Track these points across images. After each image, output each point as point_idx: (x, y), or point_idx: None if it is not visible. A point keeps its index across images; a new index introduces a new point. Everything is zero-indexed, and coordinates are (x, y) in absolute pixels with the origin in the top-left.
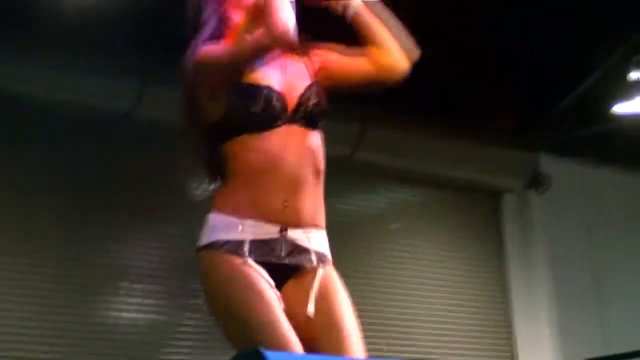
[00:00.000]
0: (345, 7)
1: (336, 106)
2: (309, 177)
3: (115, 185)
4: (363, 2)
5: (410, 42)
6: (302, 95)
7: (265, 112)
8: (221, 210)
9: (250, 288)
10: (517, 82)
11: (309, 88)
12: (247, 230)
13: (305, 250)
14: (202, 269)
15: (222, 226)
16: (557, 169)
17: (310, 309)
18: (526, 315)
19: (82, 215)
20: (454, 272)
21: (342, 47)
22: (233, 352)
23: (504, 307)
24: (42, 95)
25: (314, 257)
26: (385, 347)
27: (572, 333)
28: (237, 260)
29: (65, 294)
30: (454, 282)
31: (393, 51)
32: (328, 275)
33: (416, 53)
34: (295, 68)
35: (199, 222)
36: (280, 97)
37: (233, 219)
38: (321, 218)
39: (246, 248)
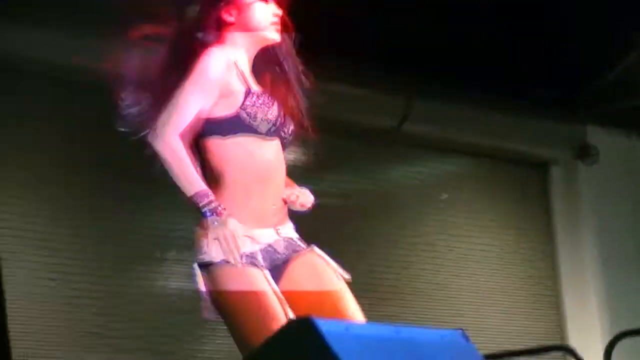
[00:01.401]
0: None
1: (384, 78)
2: (282, 182)
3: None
4: None
5: None
6: (284, 120)
7: (274, 123)
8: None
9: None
10: (565, 54)
11: (296, 105)
12: (255, 239)
13: (293, 241)
14: (213, 284)
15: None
16: (604, 140)
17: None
18: (574, 286)
19: (130, 185)
20: (501, 244)
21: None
22: None
23: (552, 278)
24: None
25: (302, 243)
26: (430, 318)
27: (620, 304)
28: (248, 273)
29: (113, 264)
30: (501, 254)
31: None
32: (316, 255)
33: None
34: (277, 79)
35: None
36: (277, 110)
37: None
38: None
39: (259, 258)
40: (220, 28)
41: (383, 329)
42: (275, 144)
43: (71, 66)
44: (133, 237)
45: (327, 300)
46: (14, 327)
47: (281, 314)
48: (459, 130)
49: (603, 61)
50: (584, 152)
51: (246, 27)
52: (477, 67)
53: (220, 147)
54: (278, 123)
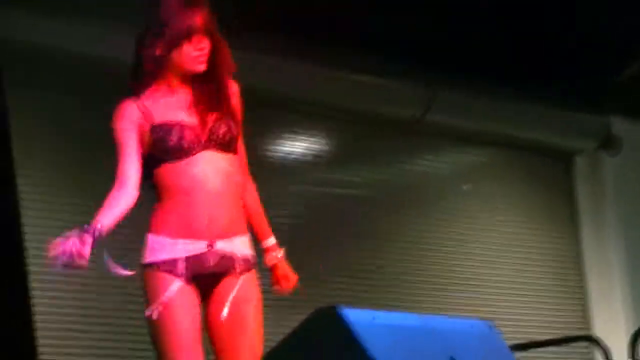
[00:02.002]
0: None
1: (407, 69)
2: (227, 193)
3: None
4: None
5: None
6: (212, 127)
7: (178, 144)
8: (156, 231)
9: (169, 316)
10: (590, 44)
11: (218, 119)
12: (179, 248)
13: (230, 258)
14: (143, 285)
15: (158, 247)
16: (629, 131)
17: (224, 313)
18: (599, 277)
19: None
20: (525, 235)
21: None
22: (300, 314)
23: (577, 269)
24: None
25: (237, 264)
26: (454, 309)
27: None
28: (166, 281)
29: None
30: (525, 245)
31: None
32: (249, 282)
33: None
34: (205, 101)
35: (267, 185)
36: (192, 129)
37: (167, 240)
38: (243, 225)
39: (180, 267)
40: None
41: (410, 319)
42: (203, 157)
43: (97, 56)
44: None
45: (225, 326)
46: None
47: (184, 326)
48: (482, 121)
49: (628, 52)
50: (608, 143)
51: (173, 66)
52: (501, 57)
53: (157, 175)
54: (195, 140)
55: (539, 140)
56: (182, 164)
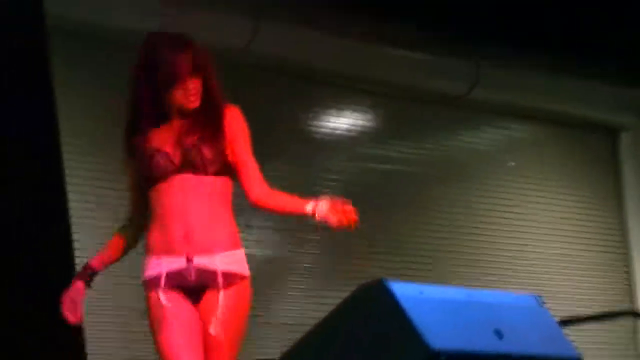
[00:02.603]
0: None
1: (454, 44)
2: (204, 213)
3: None
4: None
5: None
6: (185, 150)
7: (153, 169)
8: (146, 252)
9: (160, 323)
10: (637, 19)
11: (195, 143)
12: (162, 265)
13: (211, 273)
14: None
15: (147, 266)
16: None
17: (212, 330)
18: None
19: None
20: (570, 210)
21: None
22: (344, 290)
23: (622, 244)
24: None
25: (219, 279)
26: (498, 284)
27: None
28: (155, 295)
29: None
30: (570, 220)
31: (267, 207)
32: (231, 296)
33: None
34: (188, 126)
35: (312, 160)
36: (165, 155)
37: (153, 259)
38: (227, 241)
39: (162, 281)
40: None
41: (457, 292)
42: (178, 181)
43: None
44: None
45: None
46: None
47: (165, 327)
48: (528, 96)
49: None
50: None
51: (167, 104)
52: (547, 32)
53: (148, 198)
54: (168, 165)
55: (585, 116)
56: (160, 187)
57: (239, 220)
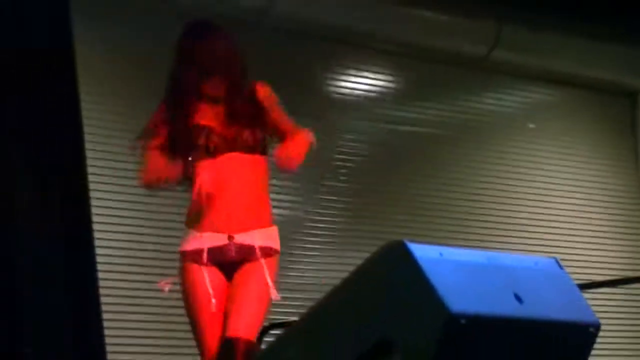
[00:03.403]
0: None
1: (473, 6)
2: (245, 193)
3: None
4: None
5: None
6: (235, 130)
7: (199, 146)
8: (187, 223)
9: (195, 294)
10: None
11: (243, 123)
12: (204, 241)
13: (250, 248)
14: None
15: (187, 238)
16: None
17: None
18: None
19: None
20: (588, 174)
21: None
22: (364, 251)
23: (639, 207)
24: None
25: (257, 252)
26: (516, 247)
27: None
28: (194, 268)
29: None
30: (588, 184)
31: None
32: (268, 265)
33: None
34: (232, 107)
35: (333, 121)
36: (214, 133)
37: (194, 232)
38: (263, 219)
39: (204, 256)
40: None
41: (477, 255)
42: (222, 161)
43: None
44: None
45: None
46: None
47: (203, 303)
48: (548, 58)
49: None
50: None
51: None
52: None
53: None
54: (220, 143)
55: (604, 79)
56: (203, 164)
57: None
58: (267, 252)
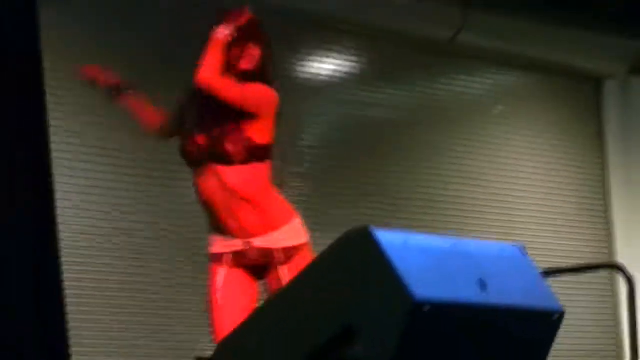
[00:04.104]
0: None
1: None
2: (238, 204)
3: None
4: None
5: None
6: (210, 140)
7: (186, 156)
8: (211, 228)
9: (217, 294)
10: None
11: (218, 133)
12: (226, 245)
13: (269, 251)
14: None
15: (213, 242)
16: None
17: None
18: (625, 204)
19: None
20: (553, 159)
21: None
22: (329, 238)
23: (603, 196)
24: None
25: (277, 256)
26: (480, 232)
27: None
28: (218, 270)
29: (152, 178)
30: (552, 169)
31: None
32: (292, 270)
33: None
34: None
35: (298, 106)
36: (191, 141)
37: (217, 237)
38: (277, 219)
39: (225, 260)
40: None
41: (442, 241)
42: (206, 171)
43: None
44: None
45: None
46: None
47: (212, 297)
48: (514, 42)
49: None
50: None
51: None
52: None
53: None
54: (194, 153)
55: (570, 64)
56: (196, 175)
57: None
58: (290, 252)
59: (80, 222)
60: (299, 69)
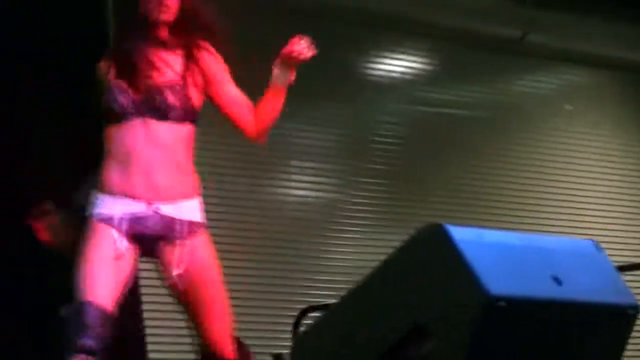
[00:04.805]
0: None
1: None
2: (166, 161)
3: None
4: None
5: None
6: (149, 95)
7: (114, 107)
8: (99, 187)
9: (92, 256)
10: None
11: (158, 87)
12: (118, 206)
13: (173, 221)
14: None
15: (98, 202)
16: None
17: (175, 272)
18: None
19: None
20: (625, 157)
21: (226, 72)
22: (401, 234)
23: None
24: None
25: (181, 228)
26: (553, 229)
27: None
28: (103, 230)
29: (238, 170)
30: (625, 167)
31: (264, 126)
32: (199, 246)
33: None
34: (163, 64)
35: (370, 105)
36: (127, 97)
37: (106, 197)
38: (190, 189)
39: (116, 222)
40: None
41: (515, 238)
42: (136, 125)
43: None
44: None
45: (185, 284)
46: None
47: (96, 268)
48: (583, 40)
49: None
50: None
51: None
52: None
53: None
54: (126, 105)
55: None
56: (119, 127)
57: (294, 162)
58: (195, 227)
59: None
60: (371, 69)
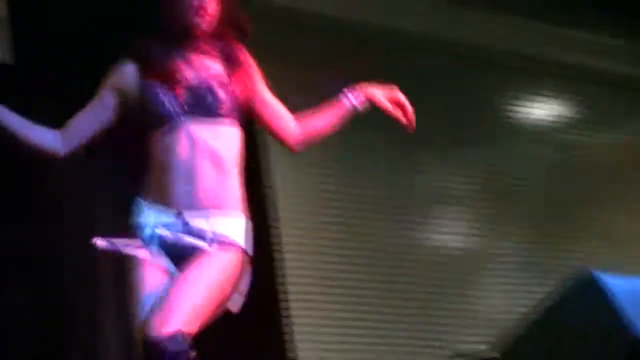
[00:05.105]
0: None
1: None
2: (204, 167)
3: (428, 114)
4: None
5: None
6: (194, 90)
7: (157, 112)
8: (142, 196)
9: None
10: None
11: (210, 81)
12: (152, 214)
13: (199, 235)
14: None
15: (139, 210)
16: None
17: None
18: None
19: (401, 141)
20: None
21: (262, 78)
22: (558, 274)
23: None
24: None
25: (208, 241)
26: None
27: None
28: (135, 242)
29: (379, 215)
30: None
31: (308, 138)
32: (220, 257)
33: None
34: (203, 66)
35: (508, 151)
36: (172, 96)
37: (146, 205)
38: (226, 204)
39: (147, 231)
40: None
41: None
42: (183, 127)
43: None
44: (401, 190)
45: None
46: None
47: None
48: None
49: None
50: None
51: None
52: None
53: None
54: (173, 108)
55: None
56: (162, 131)
57: (433, 208)
58: (222, 245)
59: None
60: (511, 112)
